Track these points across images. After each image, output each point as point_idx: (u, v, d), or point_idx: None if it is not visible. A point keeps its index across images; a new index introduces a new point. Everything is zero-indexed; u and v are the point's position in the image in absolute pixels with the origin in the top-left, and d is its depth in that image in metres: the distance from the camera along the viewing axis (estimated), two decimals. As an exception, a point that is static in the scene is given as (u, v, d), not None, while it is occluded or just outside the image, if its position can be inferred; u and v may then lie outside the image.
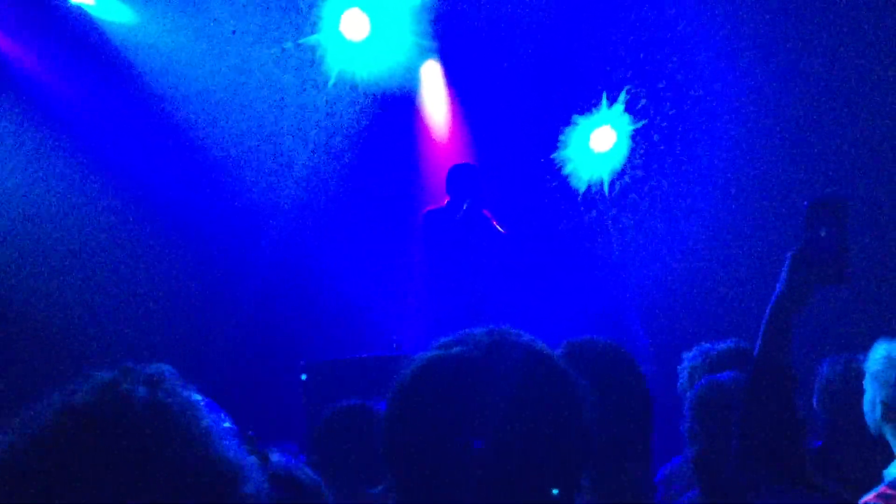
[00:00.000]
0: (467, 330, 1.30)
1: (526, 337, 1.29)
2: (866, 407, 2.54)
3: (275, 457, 1.54)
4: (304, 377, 4.79)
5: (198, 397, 1.04)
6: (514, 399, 1.20)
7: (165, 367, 1.03)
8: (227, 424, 1.03)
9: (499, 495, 1.18)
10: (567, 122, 6.57)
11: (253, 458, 1.04)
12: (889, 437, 2.50)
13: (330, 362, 4.91)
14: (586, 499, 1.27)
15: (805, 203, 1.88)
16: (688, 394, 2.18)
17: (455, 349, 1.26)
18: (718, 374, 2.19)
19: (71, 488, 0.90)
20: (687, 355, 2.96)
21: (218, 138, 6.62)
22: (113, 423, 0.94)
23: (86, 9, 6.50)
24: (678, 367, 2.99)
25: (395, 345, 5.00)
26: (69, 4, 6.44)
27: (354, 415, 2.58)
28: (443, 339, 1.30)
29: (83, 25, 6.47)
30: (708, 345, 2.85)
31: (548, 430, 1.21)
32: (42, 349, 6.06)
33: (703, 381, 2.14)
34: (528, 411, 1.21)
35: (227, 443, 1.00)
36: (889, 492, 2.19)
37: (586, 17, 6.49)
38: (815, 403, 2.94)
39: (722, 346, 2.75)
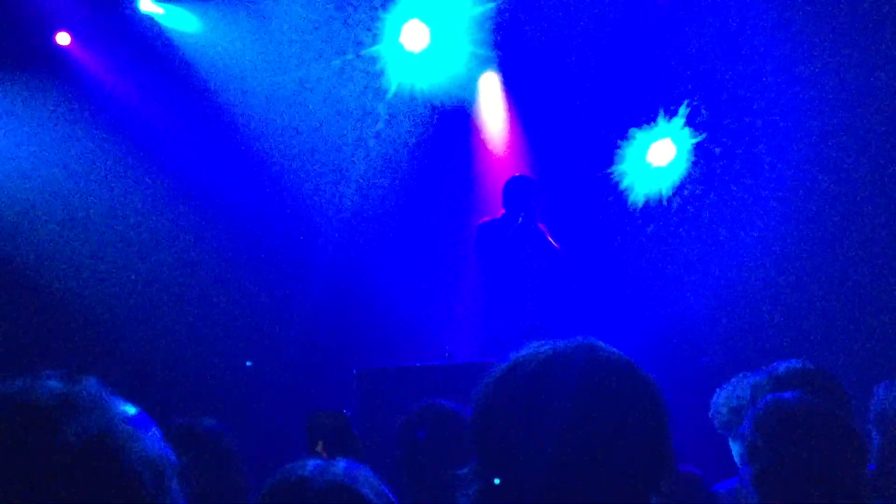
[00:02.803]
0: (556, 339, 1.39)
1: (609, 347, 1.37)
2: None
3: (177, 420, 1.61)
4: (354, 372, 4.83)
5: (124, 404, 1.07)
6: (594, 400, 1.29)
7: (90, 378, 1.08)
8: (154, 430, 1.08)
9: (575, 486, 1.25)
10: (625, 136, 6.52)
11: (155, 438, 1.07)
12: None
13: (383, 370, 4.94)
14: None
15: None
16: (751, 411, 2.15)
17: (544, 350, 1.35)
18: (783, 393, 2.16)
19: None
20: (721, 390, 2.99)
21: (279, 147, 6.73)
22: (17, 407, 1.00)
23: (155, 18, 6.69)
24: (714, 400, 3.01)
25: (447, 354, 5.01)
26: (139, 13, 6.63)
27: (436, 413, 2.64)
28: (535, 343, 1.40)
29: (152, 34, 6.66)
30: (771, 365, 2.80)
31: (626, 431, 1.27)
32: (96, 346, 6.22)
33: (767, 398, 2.11)
34: (606, 413, 1.28)
35: (126, 419, 1.05)
36: None
37: (647, 30, 6.44)
38: (870, 426, 2.88)
39: (787, 365, 2.71)
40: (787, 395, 2.08)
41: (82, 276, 6.57)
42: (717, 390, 3.11)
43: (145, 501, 1.00)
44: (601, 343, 1.36)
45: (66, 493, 0.96)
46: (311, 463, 1.42)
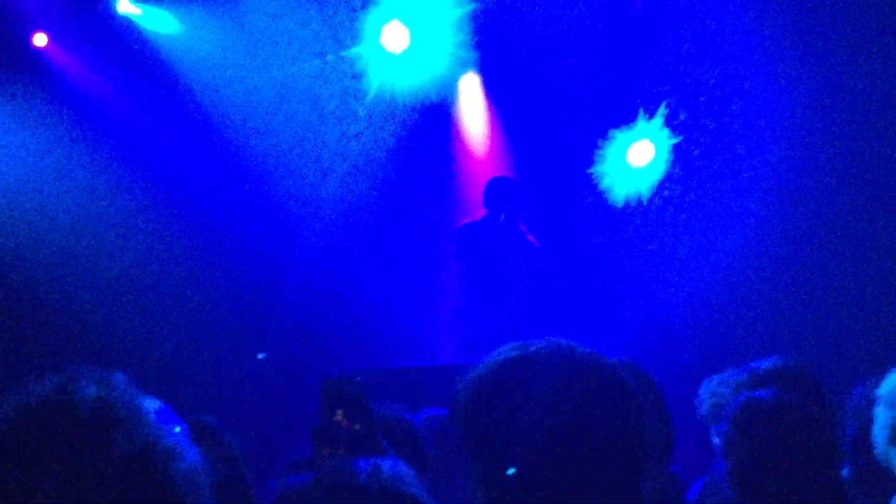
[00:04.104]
0: (535, 334, 1.43)
1: (577, 344, 1.40)
2: (875, 433, 2.51)
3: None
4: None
5: (151, 402, 1.09)
6: (572, 402, 1.31)
7: (118, 374, 1.08)
8: (177, 429, 1.10)
9: (561, 483, 1.28)
10: (605, 136, 6.55)
11: (188, 445, 1.09)
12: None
13: (364, 371, 4.93)
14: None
15: None
16: (727, 409, 2.17)
17: (516, 353, 1.38)
18: (757, 392, 2.18)
19: (23, 475, 0.96)
20: (708, 380, 2.99)
21: (258, 148, 6.71)
22: (61, 417, 1.01)
23: (132, 19, 6.65)
24: (700, 391, 3.01)
25: (429, 354, 5.02)
26: (117, 15, 6.59)
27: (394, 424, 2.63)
28: (512, 343, 1.42)
29: (130, 35, 6.62)
30: (752, 363, 2.82)
31: (605, 433, 1.30)
32: (75, 349, 6.17)
33: (741, 396, 2.13)
34: (585, 414, 1.31)
35: (166, 430, 1.06)
36: None
37: (626, 31, 6.48)
38: (847, 422, 2.90)
39: (766, 362, 2.73)
40: (761, 392, 2.12)
41: (57, 276, 6.51)
42: (706, 380, 3.09)
43: None
44: (569, 342, 1.39)
45: None
46: (360, 464, 1.43)
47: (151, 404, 1.07)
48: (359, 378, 1.92)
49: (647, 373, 2.09)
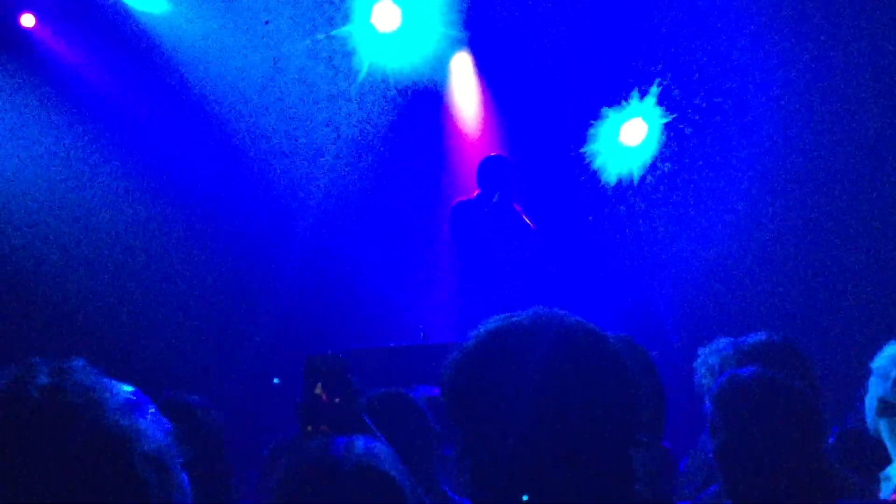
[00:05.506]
0: (526, 308, 1.39)
1: (568, 313, 1.38)
2: (867, 405, 2.54)
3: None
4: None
5: (117, 386, 1.06)
6: (563, 368, 1.29)
7: (78, 361, 1.06)
8: (152, 410, 1.07)
9: (550, 452, 1.26)
10: (598, 115, 6.53)
11: (154, 425, 1.06)
12: (884, 435, 2.48)
13: (356, 351, 4.94)
14: None
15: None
16: (712, 387, 2.18)
17: (506, 323, 1.36)
18: (740, 370, 2.19)
19: None
20: (703, 350, 2.97)
21: (249, 129, 6.68)
22: (12, 408, 0.99)
23: (121, -1, 6.60)
24: (696, 361, 3.00)
25: (421, 334, 5.02)
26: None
27: (393, 400, 2.64)
28: (496, 317, 1.40)
29: (118, 16, 6.56)
30: (738, 338, 2.82)
31: (593, 399, 1.28)
32: (70, 334, 6.17)
33: (724, 375, 2.14)
34: (574, 381, 1.29)
35: (127, 413, 1.03)
36: None
37: (619, 8, 6.44)
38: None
39: (753, 338, 2.72)
40: (744, 371, 2.12)
41: (43, 254, 6.49)
42: (701, 349, 3.07)
43: (150, 500, 0.99)
44: (556, 310, 1.37)
45: (64, 496, 0.94)
46: (336, 441, 1.43)
47: (116, 388, 1.05)
48: (339, 354, 1.93)
49: (642, 347, 2.09)
